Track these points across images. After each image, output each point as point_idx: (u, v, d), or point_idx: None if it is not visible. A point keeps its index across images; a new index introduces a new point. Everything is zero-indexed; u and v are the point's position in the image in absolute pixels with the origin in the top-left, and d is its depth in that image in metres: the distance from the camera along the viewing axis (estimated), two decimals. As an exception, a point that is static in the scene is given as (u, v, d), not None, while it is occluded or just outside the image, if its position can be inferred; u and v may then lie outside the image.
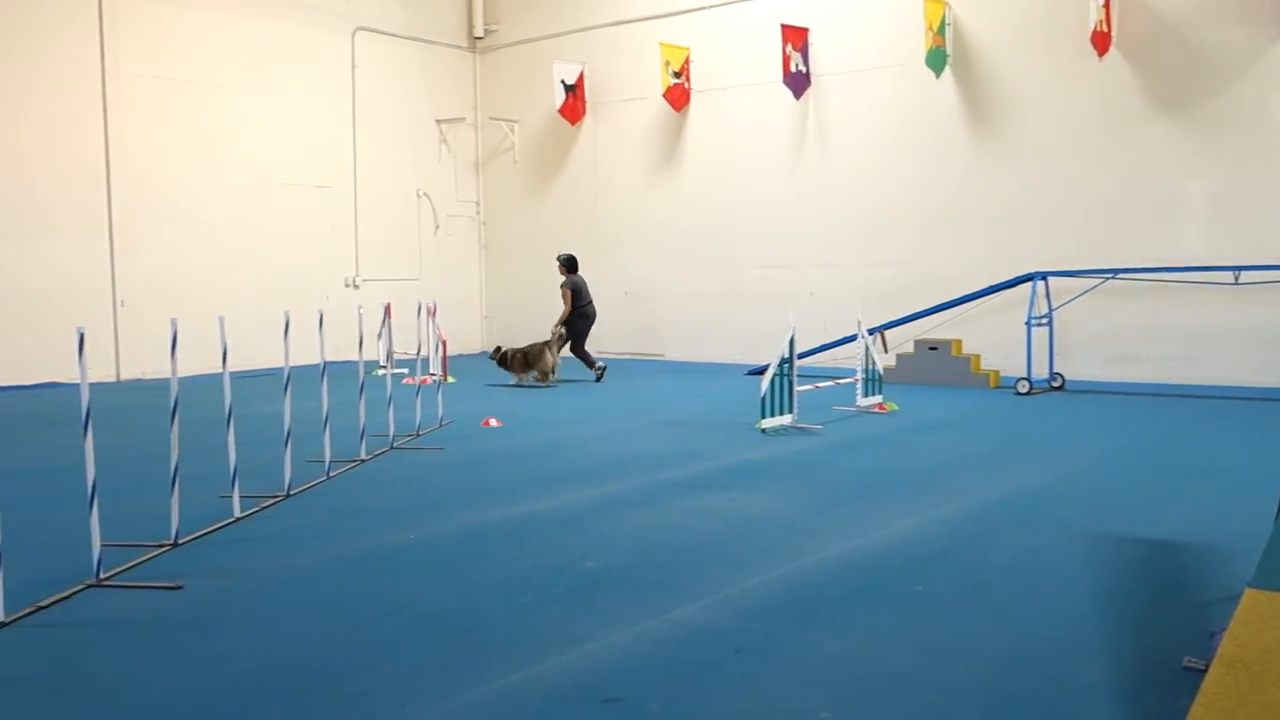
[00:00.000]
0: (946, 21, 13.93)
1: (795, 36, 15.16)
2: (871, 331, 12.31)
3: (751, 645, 4.08)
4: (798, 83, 15.28)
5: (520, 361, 13.63)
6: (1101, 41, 12.81)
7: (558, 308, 14.56)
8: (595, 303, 14.69)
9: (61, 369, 13.51)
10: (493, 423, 10.11)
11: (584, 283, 14.46)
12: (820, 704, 3.55)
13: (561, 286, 14.31)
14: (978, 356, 13.25)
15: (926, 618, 4.43)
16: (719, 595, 4.71)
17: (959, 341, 13.35)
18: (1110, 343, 13.26)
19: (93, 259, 14.36)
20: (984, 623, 4.35)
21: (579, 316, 14.31)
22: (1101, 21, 12.72)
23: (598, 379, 14.10)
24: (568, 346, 14.34)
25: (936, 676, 3.77)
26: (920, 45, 13.94)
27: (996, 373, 13.10)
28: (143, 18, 14.72)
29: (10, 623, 4.35)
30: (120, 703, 3.61)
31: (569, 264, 14.48)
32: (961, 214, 14.28)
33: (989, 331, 13.68)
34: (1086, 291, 12.75)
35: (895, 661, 3.92)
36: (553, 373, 13.56)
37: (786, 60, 15.13)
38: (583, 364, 14.44)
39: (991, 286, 13.17)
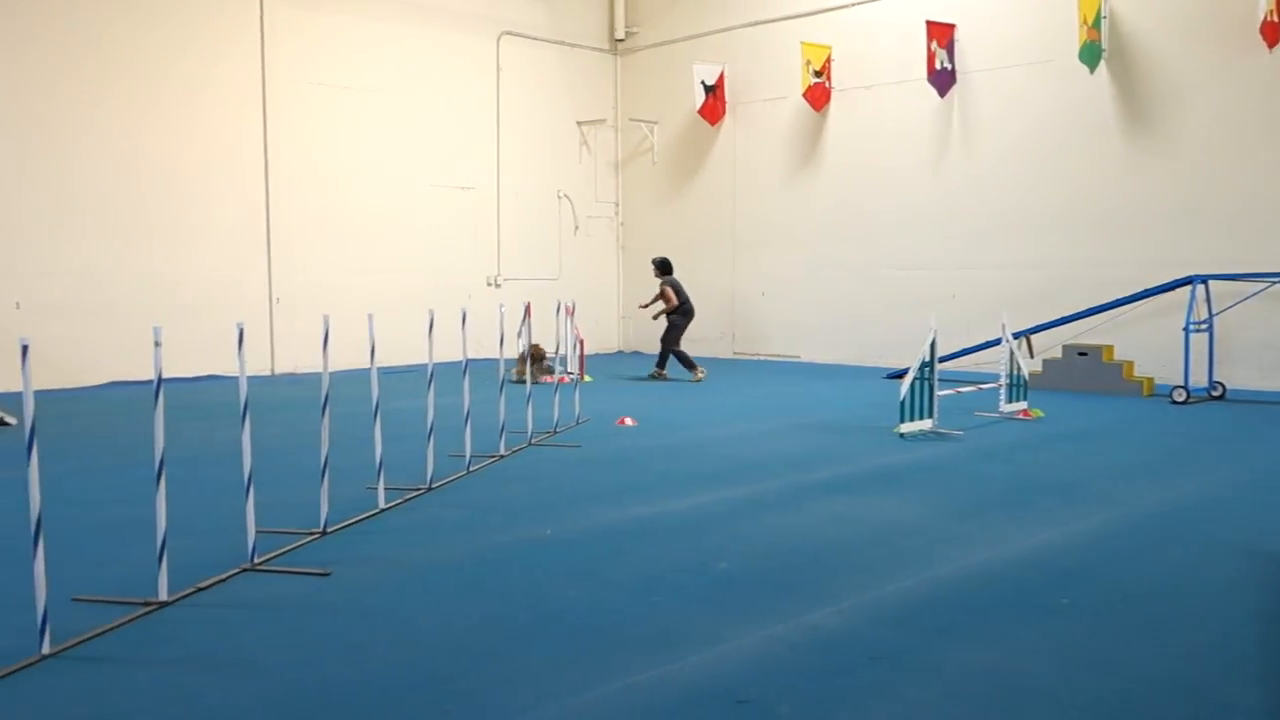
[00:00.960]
0: (1102, 14, 13.42)
1: (940, 33, 14.84)
2: (1016, 335, 11.96)
3: (887, 653, 4.02)
4: (943, 80, 14.95)
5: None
6: (1272, 33, 12.14)
7: (697, 307, 14.83)
8: (701, 303, 15.16)
9: (220, 362, 14.20)
10: (628, 422, 10.19)
11: (680, 283, 14.68)
12: (958, 716, 3.47)
13: (662, 285, 14.48)
14: (1130, 363, 12.72)
15: (1071, 632, 4.28)
16: (853, 601, 4.65)
17: (1110, 347, 12.84)
18: (1276, 350, 12.55)
19: (251, 258, 15.03)
20: (1133, 639, 4.18)
21: (683, 314, 14.51)
22: (1271, 12, 12.07)
23: (695, 380, 14.10)
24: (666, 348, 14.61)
25: (1082, 693, 3.65)
26: (1073, 40, 13.47)
27: (1150, 380, 12.55)
28: (300, 27, 15.34)
29: (173, 602, 4.59)
30: (274, 682, 3.77)
31: (664, 266, 14.74)
32: (1115, 215, 13.73)
33: (1143, 337, 13.13)
34: (1251, 296, 12.12)
35: (1038, 676, 3.80)
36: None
37: (931, 57, 14.82)
38: (683, 365, 14.41)
39: (1146, 290, 12.63)
